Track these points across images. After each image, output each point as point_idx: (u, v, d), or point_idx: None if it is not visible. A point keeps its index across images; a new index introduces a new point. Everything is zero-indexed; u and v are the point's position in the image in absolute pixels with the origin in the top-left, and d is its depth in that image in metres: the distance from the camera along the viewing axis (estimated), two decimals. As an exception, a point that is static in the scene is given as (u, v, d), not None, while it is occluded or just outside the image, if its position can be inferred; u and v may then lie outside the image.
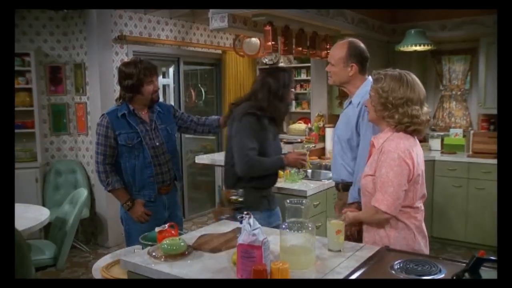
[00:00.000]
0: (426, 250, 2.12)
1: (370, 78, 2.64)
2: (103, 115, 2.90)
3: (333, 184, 3.80)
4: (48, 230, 4.10)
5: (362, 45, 2.66)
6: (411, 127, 2.05)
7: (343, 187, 2.72)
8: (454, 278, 1.51)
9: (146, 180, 2.89)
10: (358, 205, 2.54)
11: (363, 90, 2.58)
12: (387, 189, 1.98)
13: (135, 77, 2.80)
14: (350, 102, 2.66)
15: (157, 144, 2.91)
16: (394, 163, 1.97)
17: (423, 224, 2.13)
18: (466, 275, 1.51)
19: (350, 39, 2.70)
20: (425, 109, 2.08)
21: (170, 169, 2.99)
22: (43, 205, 4.92)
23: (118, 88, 5.23)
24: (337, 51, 2.63)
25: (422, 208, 2.13)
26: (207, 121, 3.25)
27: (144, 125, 2.89)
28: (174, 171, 3.03)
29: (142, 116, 2.91)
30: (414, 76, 2.11)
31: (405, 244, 2.03)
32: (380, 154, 2.04)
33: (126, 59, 5.41)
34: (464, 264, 1.58)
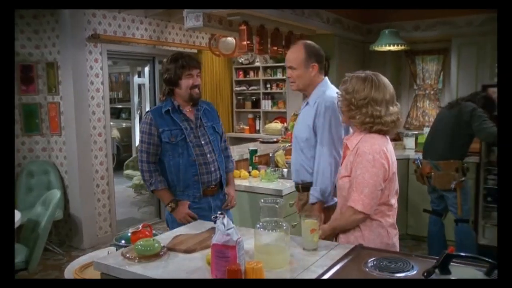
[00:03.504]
0: (397, 244, 2.16)
1: (326, 78, 2.72)
2: (147, 112, 2.85)
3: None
4: (19, 232, 4.00)
5: (317, 45, 2.68)
6: (374, 127, 2.05)
7: (303, 187, 2.75)
8: (425, 274, 1.54)
9: (190, 179, 2.77)
10: (320, 205, 2.60)
11: (320, 90, 2.62)
12: (363, 189, 2.00)
13: (172, 71, 2.76)
14: (307, 103, 2.68)
15: (203, 142, 2.81)
16: (369, 164, 1.99)
17: (395, 222, 2.17)
18: (437, 272, 1.53)
19: (304, 41, 2.72)
20: (392, 108, 2.07)
21: (217, 170, 2.86)
22: (15, 207, 4.81)
23: (92, 87, 5.24)
24: (296, 54, 2.62)
25: (396, 206, 2.16)
26: (227, 159, 3.08)
27: (188, 122, 2.81)
28: (220, 172, 2.90)
29: (187, 114, 2.83)
30: (382, 77, 2.12)
31: (379, 242, 2.06)
32: (356, 155, 2.05)
33: (100, 59, 5.34)
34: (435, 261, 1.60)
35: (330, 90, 2.63)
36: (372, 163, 1.99)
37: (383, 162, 2.00)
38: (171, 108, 2.77)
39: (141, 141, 2.79)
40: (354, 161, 2.05)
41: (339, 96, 2.16)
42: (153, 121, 2.74)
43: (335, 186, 2.55)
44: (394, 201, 2.13)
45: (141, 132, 2.80)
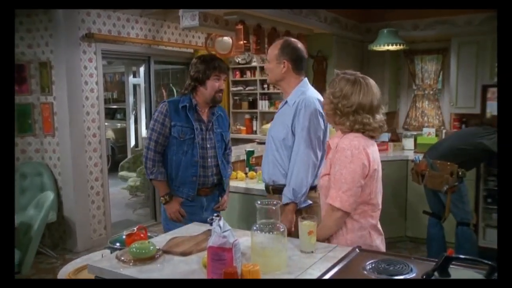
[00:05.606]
0: (382, 247, 2.11)
1: (305, 79, 2.73)
2: (164, 101, 2.87)
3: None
4: (12, 235, 3.95)
5: (297, 45, 2.69)
6: (365, 132, 2.04)
7: (274, 189, 2.68)
8: (424, 277, 1.50)
9: (188, 178, 2.82)
10: (293, 206, 2.52)
11: (299, 90, 2.63)
12: (341, 186, 1.96)
13: (202, 70, 2.82)
14: (286, 102, 2.67)
15: (208, 146, 2.86)
16: (347, 160, 1.96)
17: (379, 224, 2.12)
18: (436, 274, 1.50)
19: (286, 38, 2.77)
20: (378, 117, 2.05)
21: (214, 175, 2.90)
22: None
23: (86, 87, 5.18)
24: (272, 49, 2.69)
25: (380, 207, 2.11)
26: (227, 164, 3.09)
27: (200, 123, 2.85)
28: (217, 178, 2.93)
29: (202, 114, 2.88)
30: (370, 81, 2.08)
31: (362, 243, 2.01)
32: (335, 151, 2.02)
33: (94, 58, 5.28)
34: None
35: (310, 91, 2.65)
36: (350, 158, 1.96)
37: (361, 158, 1.96)
38: (188, 105, 2.82)
39: (152, 129, 2.81)
40: (333, 158, 2.02)
41: (326, 98, 2.10)
42: (168, 113, 2.80)
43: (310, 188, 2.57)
44: (378, 201, 2.09)
45: (154, 120, 2.82)
